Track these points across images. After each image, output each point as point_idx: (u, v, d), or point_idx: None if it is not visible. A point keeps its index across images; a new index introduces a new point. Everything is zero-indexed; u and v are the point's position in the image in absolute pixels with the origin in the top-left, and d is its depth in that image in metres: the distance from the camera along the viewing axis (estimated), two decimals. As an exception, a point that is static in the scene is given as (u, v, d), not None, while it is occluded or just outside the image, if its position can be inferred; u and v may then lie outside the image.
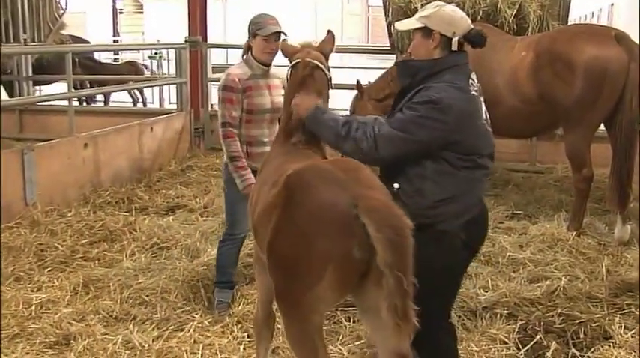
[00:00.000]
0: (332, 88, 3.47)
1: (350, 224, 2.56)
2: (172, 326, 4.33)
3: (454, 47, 3.07)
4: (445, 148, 3.03)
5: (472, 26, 3.13)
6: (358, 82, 7.26)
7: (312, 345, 2.73)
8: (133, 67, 14.09)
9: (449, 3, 3.30)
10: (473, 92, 3.09)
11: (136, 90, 13.93)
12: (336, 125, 3.09)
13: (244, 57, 4.62)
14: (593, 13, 35.94)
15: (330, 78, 3.42)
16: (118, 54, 26.35)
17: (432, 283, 3.00)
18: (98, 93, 11.97)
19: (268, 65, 4.57)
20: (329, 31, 3.58)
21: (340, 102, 7.08)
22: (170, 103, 12.66)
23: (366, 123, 3.08)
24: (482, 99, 3.18)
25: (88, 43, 14.25)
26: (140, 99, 14.15)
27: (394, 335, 2.53)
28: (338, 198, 2.63)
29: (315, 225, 2.64)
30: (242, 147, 4.50)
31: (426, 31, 3.11)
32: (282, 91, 4.29)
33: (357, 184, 2.68)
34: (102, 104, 13.42)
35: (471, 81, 3.11)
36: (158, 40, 18.84)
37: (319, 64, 3.31)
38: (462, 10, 7.74)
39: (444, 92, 2.98)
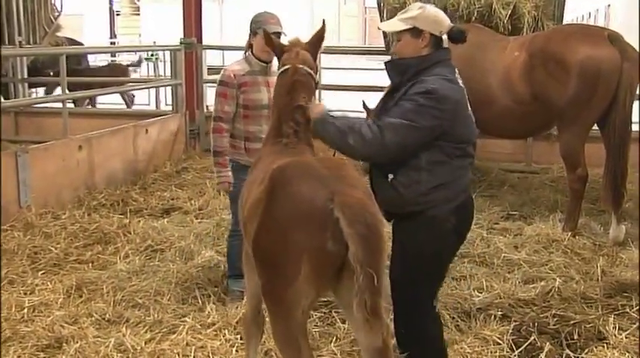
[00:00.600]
0: (317, 88, 3.57)
1: (325, 218, 2.62)
2: (165, 329, 4.30)
3: (445, 44, 3.27)
4: (439, 138, 3.18)
5: (452, 24, 3.33)
6: (364, 103, 7.33)
7: (297, 344, 2.77)
8: (118, 70, 13.92)
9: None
10: (461, 84, 3.28)
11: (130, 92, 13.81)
12: (340, 124, 3.20)
13: (246, 54, 4.73)
14: (590, 14, 35.97)
15: (317, 82, 3.49)
16: (114, 56, 26.38)
17: (422, 269, 3.29)
18: (94, 96, 11.91)
19: (268, 62, 4.65)
20: (323, 22, 3.58)
21: (332, 102, 7.06)
22: (166, 105, 12.63)
23: (367, 122, 3.24)
24: (465, 91, 3.33)
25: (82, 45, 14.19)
26: (132, 102, 13.99)
27: (365, 331, 2.58)
28: (315, 193, 2.70)
29: (291, 219, 2.71)
30: (240, 143, 4.65)
31: (415, 32, 3.25)
32: None
33: (338, 181, 2.75)
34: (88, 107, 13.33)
35: (457, 74, 3.31)
36: (154, 42, 18.77)
37: (309, 71, 3.37)
38: (457, 10, 7.91)
39: (438, 83, 3.14)
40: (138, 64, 15.11)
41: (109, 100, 14.22)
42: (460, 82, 3.30)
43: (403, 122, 3.10)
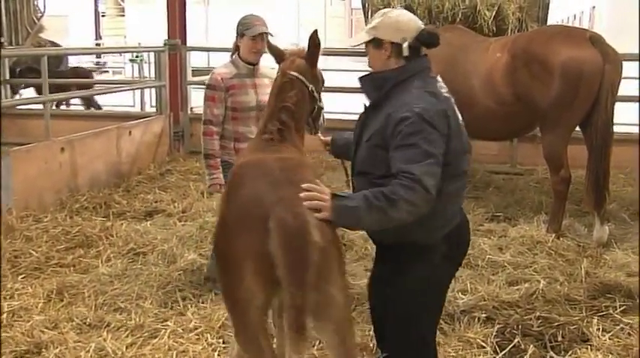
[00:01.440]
0: (317, 99, 3.44)
1: (266, 225, 2.60)
2: (146, 334, 4.25)
3: (405, 53, 2.92)
4: None
5: (422, 27, 3.00)
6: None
7: (257, 343, 2.74)
8: (81, 73, 13.72)
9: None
10: (445, 94, 2.98)
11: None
12: (369, 203, 2.71)
13: (232, 57, 4.82)
14: (575, 16, 36.20)
15: (312, 89, 3.40)
16: (100, 57, 26.24)
17: (414, 302, 3.01)
18: (75, 97, 11.82)
19: (255, 64, 4.76)
20: (315, 31, 3.46)
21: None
22: (151, 106, 12.56)
23: (389, 186, 2.75)
24: (452, 100, 3.07)
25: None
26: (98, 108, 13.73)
27: (289, 346, 2.55)
28: (262, 198, 2.71)
29: (237, 221, 2.76)
30: (230, 143, 4.74)
31: (376, 42, 2.98)
32: None
33: (288, 186, 2.74)
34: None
35: (439, 84, 3.00)
36: (139, 43, 18.68)
37: (298, 76, 3.36)
38: (442, 12, 7.92)
39: (422, 103, 2.83)
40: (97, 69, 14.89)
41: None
42: (444, 91, 2.99)
43: (429, 161, 2.73)
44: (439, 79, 3.04)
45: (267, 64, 4.58)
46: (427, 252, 2.97)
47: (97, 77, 15.09)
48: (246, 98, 4.72)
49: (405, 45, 2.91)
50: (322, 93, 3.51)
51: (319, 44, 3.37)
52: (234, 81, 4.72)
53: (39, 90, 12.23)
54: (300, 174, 2.86)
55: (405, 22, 2.96)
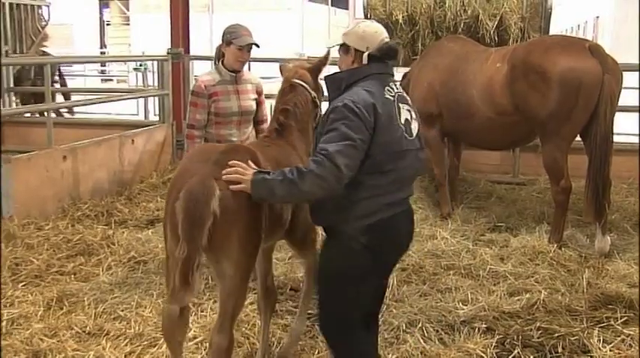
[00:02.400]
0: (319, 106, 3.88)
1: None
2: (145, 342, 4.24)
3: (364, 61, 3.24)
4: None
5: (387, 40, 3.30)
6: None
7: (170, 283, 3.14)
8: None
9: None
10: (387, 96, 3.21)
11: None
12: (283, 176, 3.04)
13: (216, 63, 5.08)
14: (579, 26, 36.22)
15: (314, 96, 3.82)
16: (104, 66, 26.35)
17: (329, 285, 3.30)
18: (78, 105, 11.86)
19: (237, 72, 5.04)
20: (328, 51, 3.81)
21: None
22: (154, 115, 12.58)
23: (310, 159, 3.10)
24: (406, 106, 3.29)
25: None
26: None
27: (170, 294, 3.09)
28: (189, 171, 3.16)
29: (169, 191, 3.29)
30: None
31: (345, 47, 3.34)
32: (254, 96, 5.13)
33: (214, 164, 3.12)
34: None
35: (388, 88, 3.24)
36: (143, 52, 18.77)
37: (300, 83, 3.76)
38: (443, 22, 7.93)
39: (354, 95, 3.12)
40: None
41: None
42: (391, 94, 3.22)
43: (344, 143, 3.00)
44: (394, 85, 3.30)
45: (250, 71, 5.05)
46: (346, 239, 3.18)
47: (100, 85, 15.12)
48: (229, 104, 5.00)
49: (366, 54, 3.25)
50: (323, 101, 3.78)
51: (326, 61, 3.88)
52: (217, 88, 4.99)
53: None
54: (237, 158, 3.16)
55: (371, 33, 3.29)
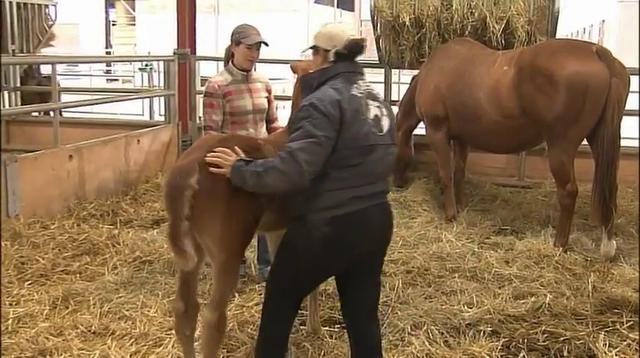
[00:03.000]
0: None
1: None
2: (151, 342, 4.25)
3: (331, 57, 3.42)
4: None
5: (352, 38, 3.44)
6: None
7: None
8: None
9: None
10: (355, 93, 3.33)
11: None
12: (255, 168, 3.25)
13: (227, 64, 5.13)
14: (584, 29, 36.17)
15: None
16: (110, 65, 26.39)
17: (279, 261, 3.51)
18: (84, 105, 11.87)
19: (248, 71, 5.09)
20: None
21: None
22: (160, 115, 12.61)
23: (278, 154, 3.29)
24: (376, 103, 3.39)
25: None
26: None
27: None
28: (185, 156, 3.57)
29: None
30: None
31: (315, 48, 3.51)
32: (265, 94, 5.19)
33: (207, 151, 3.37)
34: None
35: (356, 85, 3.37)
36: (149, 52, 18.79)
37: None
38: (450, 25, 7.94)
39: (320, 94, 3.30)
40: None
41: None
42: (359, 91, 3.34)
43: (307, 140, 3.18)
44: (363, 83, 3.43)
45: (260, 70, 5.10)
46: (309, 226, 3.30)
47: (106, 86, 15.16)
48: (243, 102, 5.03)
49: (333, 51, 3.41)
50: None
51: None
52: (231, 87, 5.03)
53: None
54: (230, 146, 3.38)
55: (337, 32, 3.47)
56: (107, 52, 33.66)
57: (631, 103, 6.90)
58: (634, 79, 8.05)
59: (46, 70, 11.25)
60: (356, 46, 3.45)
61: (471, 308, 4.81)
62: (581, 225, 6.75)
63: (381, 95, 3.55)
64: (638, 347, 4.29)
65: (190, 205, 3.26)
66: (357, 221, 3.32)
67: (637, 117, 7.77)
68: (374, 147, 3.32)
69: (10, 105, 10.75)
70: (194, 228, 3.34)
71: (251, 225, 3.50)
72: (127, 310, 4.72)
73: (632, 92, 6.38)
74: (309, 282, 3.59)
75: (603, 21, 33.56)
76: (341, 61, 3.42)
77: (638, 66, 8.43)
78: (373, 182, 3.37)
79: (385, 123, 3.40)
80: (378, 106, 3.41)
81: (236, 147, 3.40)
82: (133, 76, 20.17)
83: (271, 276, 3.55)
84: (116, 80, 27.00)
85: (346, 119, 3.23)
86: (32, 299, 4.87)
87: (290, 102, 4.16)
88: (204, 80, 9.64)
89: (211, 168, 3.31)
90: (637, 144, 7.68)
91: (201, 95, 9.22)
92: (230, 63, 5.12)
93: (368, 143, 3.30)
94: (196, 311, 3.75)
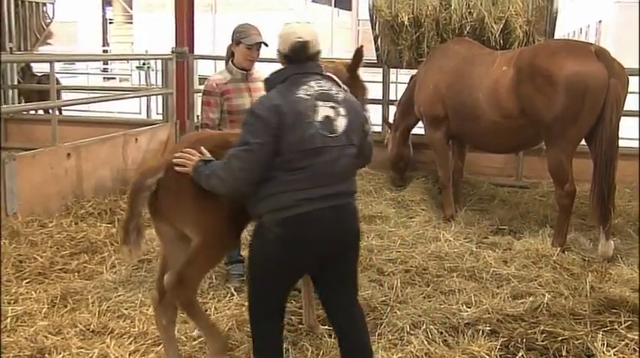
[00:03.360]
0: None
1: None
2: (150, 341, 4.25)
3: (280, 59, 3.47)
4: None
5: (299, 41, 3.41)
6: (386, 119, 7.81)
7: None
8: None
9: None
10: (301, 95, 3.30)
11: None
12: (205, 170, 3.38)
13: (228, 64, 5.17)
14: (581, 30, 36.23)
15: (346, 90, 3.67)
16: (107, 64, 26.33)
17: (250, 272, 3.54)
18: (84, 103, 11.86)
19: (248, 70, 5.14)
20: (361, 47, 4.26)
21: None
22: (157, 114, 12.59)
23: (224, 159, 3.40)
24: (329, 104, 3.34)
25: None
26: None
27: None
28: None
29: None
30: None
31: (277, 50, 3.52)
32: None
33: (174, 151, 3.61)
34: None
35: (305, 87, 3.34)
36: (146, 51, 18.73)
37: (331, 75, 3.69)
38: (449, 25, 7.95)
39: (263, 98, 3.40)
40: None
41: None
42: (307, 93, 3.32)
43: (241, 148, 3.25)
44: (316, 83, 3.38)
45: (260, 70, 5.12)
46: (264, 228, 3.36)
47: (103, 84, 15.15)
48: (241, 101, 5.07)
49: (281, 54, 3.46)
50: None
51: (361, 57, 4.26)
52: (229, 86, 5.09)
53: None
54: (206, 145, 3.55)
55: (286, 34, 3.47)
56: (104, 51, 33.57)
57: (630, 104, 6.93)
58: (633, 79, 8.09)
59: (41, 67, 11.27)
60: (295, 49, 3.41)
61: (470, 307, 4.81)
62: (579, 225, 6.76)
63: (342, 95, 3.45)
64: (635, 347, 4.30)
65: (160, 200, 3.54)
66: (310, 222, 3.30)
67: (636, 118, 7.78)
68: (322, 150, 3.26)
69: (6, 103, 10.73)
70: (173, 221, 3.61)
71: (234, 212, 3.54)
72: (126, 309, 4.71)
73: (632, 93, 6.42)
74: (277, 282, 3.47)
75: (600, 21, 33.62)
76: (290, 63, 3.44)
77: (637, 66, 8.44)
78: (327, 184, 3.31)
79: (340, 124, 3.33)
80: (332, 107, 3.34)
81: (202, 148, 3.50)
82: (131, 75, 20.12)
83: (249, 286, 3.59)
84: (113, 78, 26.96)
85: (286, 123, 3.22)
86: (31, 298, 4.87)
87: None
88: (202, 79, 9.67)
89: (177, 168, 3.49)
90: (635, 145, 7.70)
91: (199, 94, 9.34)
92: (230, 62, 5.17)
93: (314, 146, 3.25)
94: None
